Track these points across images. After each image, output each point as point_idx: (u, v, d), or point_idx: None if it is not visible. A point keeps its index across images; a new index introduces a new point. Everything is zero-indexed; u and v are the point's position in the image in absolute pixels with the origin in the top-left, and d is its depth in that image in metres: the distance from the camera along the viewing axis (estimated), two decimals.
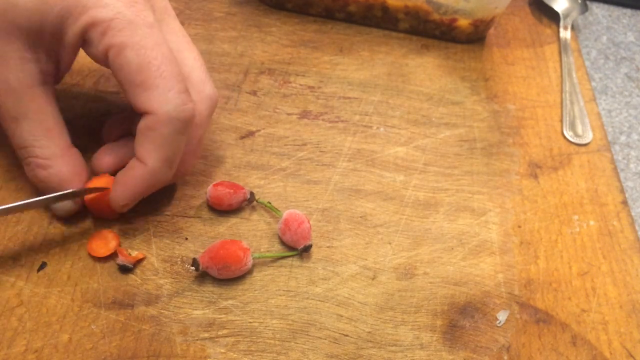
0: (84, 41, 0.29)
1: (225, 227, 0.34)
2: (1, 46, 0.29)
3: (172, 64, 0.29)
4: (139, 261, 0.32)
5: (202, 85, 0.33)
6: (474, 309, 0.33)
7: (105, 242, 0.32)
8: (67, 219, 0.33)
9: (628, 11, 0.58)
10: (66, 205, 0.32)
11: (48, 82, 0.31)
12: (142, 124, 0.29)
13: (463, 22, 0.47)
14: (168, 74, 0.29)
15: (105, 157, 0.33)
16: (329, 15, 0.49)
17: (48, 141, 0.30)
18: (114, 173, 0.32)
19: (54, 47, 0.30)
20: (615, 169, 0.41)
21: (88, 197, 0.32)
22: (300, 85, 0.43)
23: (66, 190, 0.31)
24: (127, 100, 0.30)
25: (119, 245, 0.32)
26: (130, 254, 0.32)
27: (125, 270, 0.31)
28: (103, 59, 0.29)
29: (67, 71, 0.32)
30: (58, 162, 0.31)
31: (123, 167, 0.31)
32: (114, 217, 0.33)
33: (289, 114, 0.41)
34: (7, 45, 0.29)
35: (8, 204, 0.29)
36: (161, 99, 0.29)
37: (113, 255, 0.32)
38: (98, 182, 0.32)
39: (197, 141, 0.33)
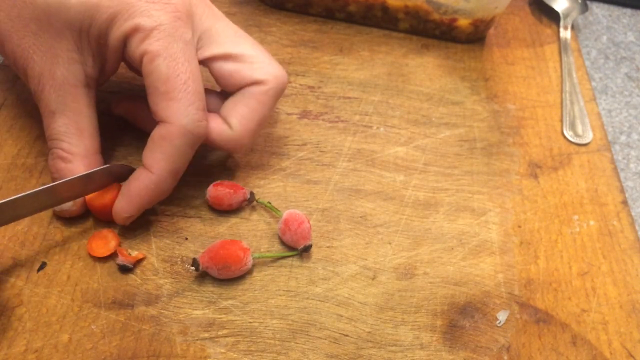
0: (124, 45, 0.31)
1: (225, 227, 0.34)
2: (53, 43, 0.30)
3: (197, 81, 0.31)
4: (139, 261, 0.32)
5: (268, 66, 0.34)
6: (474, 309, 0.33)
7: (105, 242, 0.32)
8: (68, 219, 0.33)
9: (628, 11, 0.58)
10: (67, 205, 0.32)
11: (91, 85, 0.33)
12: (156, 132, 0.31)
13: (463, 22, 0.47)
14: (192, 89, 0.30)
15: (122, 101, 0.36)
16: (329, 15, 0.49)
17: (77, 140, 0.32)
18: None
19: (99, 50, 0.31)
20: (615, 169, 0.41)
21: (92, 200, 0.32)
22: (300, 85, 0.43)
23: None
24: (149, 105, 0.31)
25: (119, 245, 0.32)
26: (130, 254, 0.32)
27: (125, 270, 0.32)
28: (137, 63, 0.31)
29: (110, 75, 0.34)
30: (78, 161, 0.32)
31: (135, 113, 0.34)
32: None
33: (288, 114, 0.41)
34: (58, 42, 0.30)
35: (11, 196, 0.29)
36: (180, 112, 0.30)
37: (113, 255, 0.32)
38: (105, 193, 0.32)
39: (266, 114, 0.34)
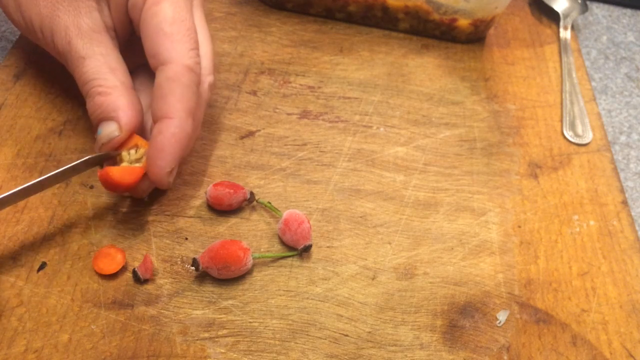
0: None
1: (225, 227, 0.34)
2: None
3: (196, 32, 0.33)
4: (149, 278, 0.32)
5: (208, 72, 0.35)
6: (474, 309, 0.33)
7: (111, 258, 0.32)
8: (68, 218, 0.33)
9: (628, 11, 0.58)
10: (110, 128, 0.32)
11: (112, 35, 0.34)
12: (162, 76, 0.31)
13: (463, 22, 0.47)
14: (194, 36, 0.33)
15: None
16: (329, 15, 0.49)
17: (112, 75, 0.33)
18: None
19: (111, 4, 0.33)
20: (615, 169, 0.41)
21: (116, 176, 0.31)
22: (300, 85, 0.43)
23: (111, 121, 0.32)
24: (147, 50, 0.32)
25: (149, 255, 0.32)
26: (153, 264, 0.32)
27: (138, 279, 0.31)
28: (139, 7, 0.32)
29: (122, 34, 0.35)
30: (117, 92, 0.32)
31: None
32: (143, 194, 0.33)
33: (289, 114, 0.41)
34: None
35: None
36: (184, 53, 0.32)
37: (123, 269, 0.32)
38: (127, 169, 0.32)
39: (197, 125, 0.34)
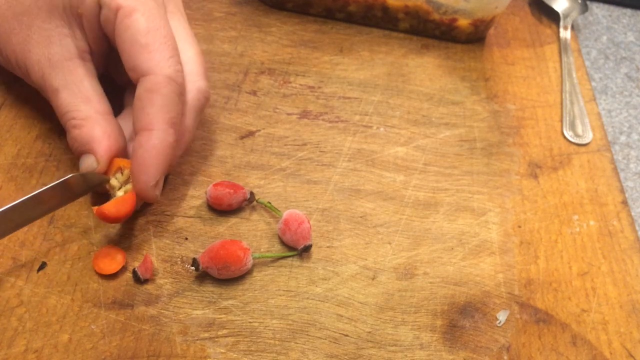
0: (99, 7, 0.32)
1: (225, 227, 0.34)
2: (44, 25, 0.32)
3: (174, 39, 0.32)
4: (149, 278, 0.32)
5: (196, 77, 0.34)
6: (474, 309, 0.33)
7: (111, 258, 0.32)
8: (68, 219, 0.33)
9: (628, 11, 0.58)
10: (88, 162, 0.32)
11: (86, 58, 0.33)
12: (141, 88, 0.31)
13: (463, 22, 0.47)
14: (171, 43, 0.32)
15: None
16: (329, 15, 0.49)
17: (85, 105, 0.32)
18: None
19: (84, 23, 0.33)
20: (615, 169, 0.41)
21: (112, 211, 0.31)
22: (300, 85, 0.43)
23: (89, 155, 0.31)
24: (125, 63, 0.31)
25: (149, 255, 0.32)
26: (153, 265, 0.31)
27: (138, 279, 0.31)
28: (111, 23, 0.31)
29: (100, 53, 0.34)
30: (91, 123, 0.32)
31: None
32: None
33: (289, 114, 0.41)
34: (49, 23, 0.32)
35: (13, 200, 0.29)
36: (163, 62, 0.31)
37: (123, 269, 0.32)
38: (122, 203, 0.31)
39: (187, 133, 0.34)
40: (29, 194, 0.29)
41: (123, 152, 0.33)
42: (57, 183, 0.30)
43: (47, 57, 0.32)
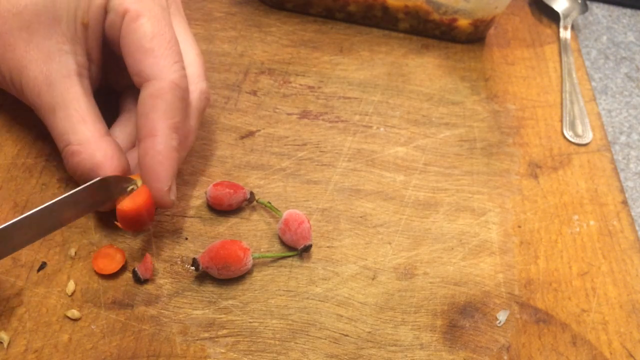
0: (105, 12, 0.32)
1: (225, 227, 0.34)
2: (45, 42, 0.31)
3: (178, 44, 0.32)
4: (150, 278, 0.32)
5: (198, 79, 0.34)
6: (474, 309, 0.33)
7: (111, 258, 0.32)
8: None
9: (628, 11, 0.58)
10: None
11: (83, 75, 0.33)
12: (146, 93, 0.31)
13: (463, 22, 0.47)
14: (176, 48, 0.32)
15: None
16: (329, 15, 0.49)
17: (82, 127, 0.31)
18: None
19: (86, 37, 0.32)
20: (615, 169, 0.41)
21: (129, 205, 0.30)
22: (300, 85, 0.43)
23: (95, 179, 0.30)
24: (129, 68, 0.31)
25: (150, 255, 0.32)
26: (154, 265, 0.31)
27: (138, 279, 0.31)
28: (117, 27, 0.31)
29: (98, 64, 0.34)
30: (90, 147, 0.31)
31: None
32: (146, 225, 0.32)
33: (289, 114, 0.41)
34: (49, 39, 0.31)
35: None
36: (168, 67, 0.31)
37: (123, 269, 0.32)
38: (136, 197, 0.31)
39: (191, 135, 0.34)
40: (64, 194, 0.29)
41: (127, 171, 0.32)
42: (95, 182, 0.30)
43: (45, 74, 0.31)
